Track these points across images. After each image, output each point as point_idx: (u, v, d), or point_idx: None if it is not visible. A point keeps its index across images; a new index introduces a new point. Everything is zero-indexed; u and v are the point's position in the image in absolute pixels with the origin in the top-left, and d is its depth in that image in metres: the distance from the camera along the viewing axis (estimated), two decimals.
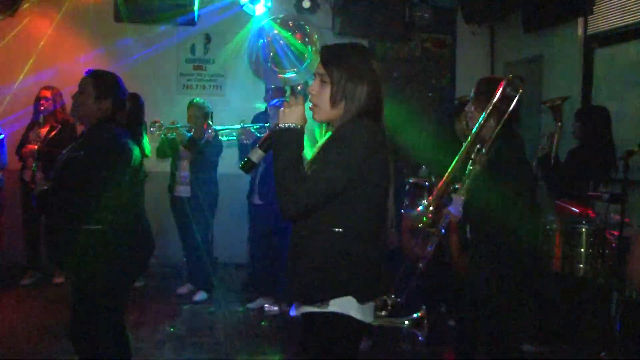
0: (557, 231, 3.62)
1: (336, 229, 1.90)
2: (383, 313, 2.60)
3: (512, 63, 6.24)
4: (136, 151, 2.77)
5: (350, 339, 1.96)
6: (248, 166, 2.03)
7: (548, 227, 3.66)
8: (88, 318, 2.65)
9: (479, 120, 2.75)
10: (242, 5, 5.62)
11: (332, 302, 1.88)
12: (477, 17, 6.17)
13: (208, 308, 4.97)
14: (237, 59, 6.06)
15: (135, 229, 2.78)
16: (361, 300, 1.89)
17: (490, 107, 2.74)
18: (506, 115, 2.76)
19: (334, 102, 1.96)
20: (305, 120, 1.95)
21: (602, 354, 3.37)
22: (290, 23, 5.03)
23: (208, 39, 6.13)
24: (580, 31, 5.13)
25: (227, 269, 5.99)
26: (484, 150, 2.77)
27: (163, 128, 4.82)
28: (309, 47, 4.94)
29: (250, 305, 5.00)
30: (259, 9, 5.66)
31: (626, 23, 4.62)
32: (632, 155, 3.02)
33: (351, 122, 1.93)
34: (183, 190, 5.08)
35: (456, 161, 2.69)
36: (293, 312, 2.03)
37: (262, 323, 4.67)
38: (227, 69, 6.19)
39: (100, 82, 2.73)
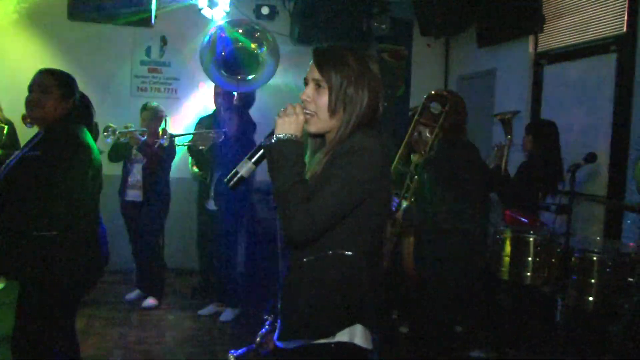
0: (506, 240, 3.72)
1: (346, 252, 1.70)
2: None
3: (466, 76, 6.40)
4: (97, 152, 2.67)
5: None
6: (236, 181, 1.81)
7: (498, 236, 3.75)
8: (34, 328, 2.52)
9: (408, 132, 2.93)
10: (200, 9, 5.56)
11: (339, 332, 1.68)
12: (433, 30, 6.31)
13: (158, 314, 4.88)
14: (194, 62, 5.98)
15: (91, 235, 2.66)
16: (370, 326, 1.72)
17: (418, 120, 2.92)
18: (437, 128, 2.94)
19: (333, 110, 1.75)
20: (302, 132, 1.76)
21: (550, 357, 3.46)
22: (244, 27, 4.99)
23: (164, 41, 6.04)
24: (531, 48, 5.32)
25: (177, 274, 5.89)
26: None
27: (117, 132, 4.73)
28: (262, 50, 4.90)
29: (201, 312, 4.93)
30: (217, 14, 5.62)
31: (574, 42, 4.82)
32: (579, 168, 3.14)
33: (360, 131, 1.73)
34: (134, 195, 4.98)
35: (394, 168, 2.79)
36: (280, 344, 1.78)
37: (214, 330, 4.61)
38: (183, 72, 6.11)
39: (65, 81, 2.65)
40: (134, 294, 5.19)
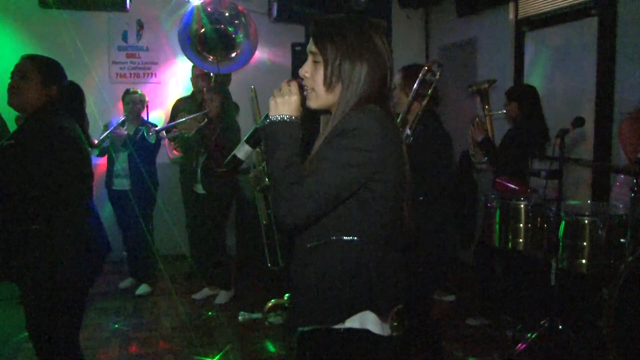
0: (497, 208, 3.75)
1: (349, 238, 1.62)
2: None
3: (447, 46, 6.38)
4: (82, 142, 2.56)
5: (367, 356, 1.64)
6: (234, 164, 1.79)
7: (489, 204, 3.78)
8: (44, 327, 2.46)
9: (406, 105, 2.92)
10: None
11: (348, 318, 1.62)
12: (412, 1, 6.27)
13: (152, 301, 4.87)
14: (172, 45, 5.90)
15: (85, 226, 2.55)
16: (380, 313, 1.62)
17: (414, 92, 2.92)
18: (427, 99, 2.96)
19: (329, 84, 1.66)
20: (300, 112, 1.69)
21: (543, 322, 3.52)
22: (221, 7, 4.89)
23: (141, 25, 5.92)
24: (511, 15, 5.31)
25: (168, 260, 5.86)
26: (409, 132, 2.91)
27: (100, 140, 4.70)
28: (240, 34, 4.82)
29: (195, 296, 4.93)
30: None
31: (554, 7, 4.82)
32: (567, 133, 3.15)
33: (357, 110, 1.62)
34: (122, 184, 4.94)
35: None
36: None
37: (210, 313, 4.61)
38: (161, 56, 6.01)
39: (45, 66, 2.54)
40: (127, 282, 5.17)
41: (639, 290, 2.74)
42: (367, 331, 1.61)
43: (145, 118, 5.14)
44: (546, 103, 4.75)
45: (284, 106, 1.67)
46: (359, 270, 1.60)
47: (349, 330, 1.60)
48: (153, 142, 4.71)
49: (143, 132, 4.82)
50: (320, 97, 1.70)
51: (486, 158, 4.19)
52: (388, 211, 1.65)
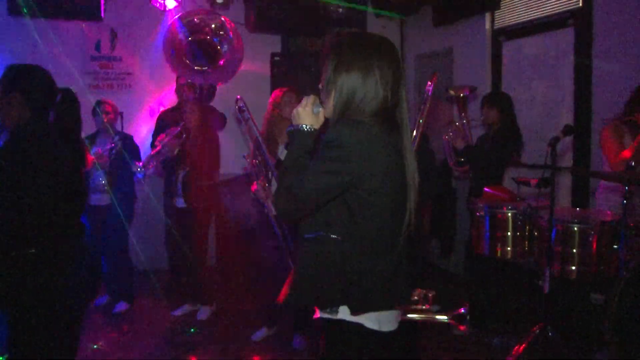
0: (486, 217, 3.75)
1: (334, 236, 1.75)
2: (424, 307, 2.54)
3: (423, 56, 6.42)
4: (68, 156, 2.42)
5: (363, 349, 1.79)
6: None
7: (477, 213, 3.79)
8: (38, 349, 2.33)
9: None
10: (150, 0, 5.35)
11: (341, 308, 1.77)
12: (388, 11, 6.30)
13: (131, 318, 4.71)
14: (147, 55, 5.78)
15: (75, 249, 2.43)
16: (355, 311, 1.76)
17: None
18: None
19: (325, 94, 1.83)
20: (320, 122, 1.89)
21: (535, 328, 3.53)
22: (204, 18, 4.84)
23: (114, 34, 5.78)
24: (488, 25, 5.38)
25: (145, 276, 5.70)
26: None
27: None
28: (225, 45, 4.78)
29: (175, 312, 4.80)
30: (170, 3, 5.42)
31: (531, 18, 4.90)
32: (558, 142, 3.18)
33: (340, 122, 1.76)
34: (100, 199, 4.76)
35: None
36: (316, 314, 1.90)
37: (192, 330, 4.49)
38: (136, 66, 5.88)
39: (28, 77, 2.40)
40: (103, 300, 5.00)
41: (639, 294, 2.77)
42: (362, 326, 1.76)
43: (120, 129, 5.01)
44: (525, 112, 4.83)
45: (299, 117, 1.88)
46: (337, 266, 1.75)
47: (343, 322, 1.76)
48: (142, 176, 4.52)
49: (120, 146, 4.69)
50: (327, 108, 1.86)
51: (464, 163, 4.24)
52: (375, 218, 1.75)
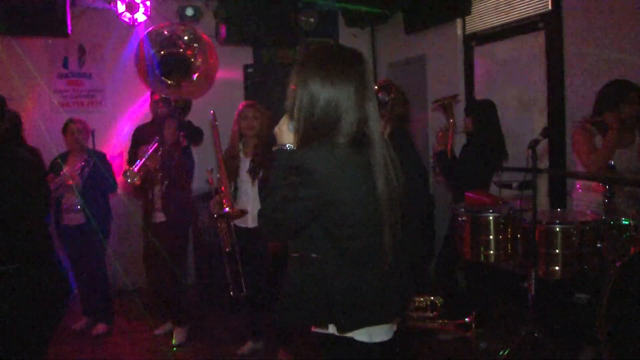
0: (467, 222, 3.76)
1: (313, 255, 1.77)
2: (432, 315, 2.51)
3: (395, 64, 6.44)
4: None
5: None
6: None
7: (460, 218, 3.79)
8: None
9: None
10: (119, 14, 5.26)
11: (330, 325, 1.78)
12: (358, 20, 6.32)
13: (111, 341, 4.58)
14: (118, 71, 5.68)
15: (45, 267, 2.39)
16: (342, 329, 1.76)
17: None
18: (389, 117, 2.95)
19: (290, 108, 1.78)
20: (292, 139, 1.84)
21: (521, 331, 3.53)
22: (176, 31, 4.77)
23: (82, 51, 5.66)
24: (459, 31, 5.42)
25: (122, 295, 5.56)
26: None
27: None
28: (199, 57, 4.71)
29: (157, 332, 4.69)
30: (139, 17, 5.34)
31: (502, 22, 4.96)
32: (538, 144, 3.21)
33: (306, 146, 1.74)
34: (74, 219, 4.63)
35: None
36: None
37: (174, 349, 4.39)
38: (107, 82, 5.76)
39: None
40: (81, 323, 4.85)
41: (628, 292, 2.79)
42: (351, 339, 1.75)
43: (92, 147, 4.89)
44: (499, 115, 4.86)
45: (281, 136, 1.84)
46: (321, 286, 1.75)
47: (333, 337, 1.76)
48: (137, 183, 4.39)
49: (93, 164, 4.58)
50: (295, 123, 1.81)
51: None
52: (352, 236, 1.74)
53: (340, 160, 1.70)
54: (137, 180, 4.25)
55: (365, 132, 1.77)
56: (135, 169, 4.23)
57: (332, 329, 1.77)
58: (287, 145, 1.82)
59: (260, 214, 1.81)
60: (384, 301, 1.78)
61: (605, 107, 3.65)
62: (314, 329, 1.84)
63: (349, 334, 1.76)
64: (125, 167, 4.60)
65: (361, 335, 1.76)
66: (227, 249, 4.06)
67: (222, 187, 3.74)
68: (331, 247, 1.76)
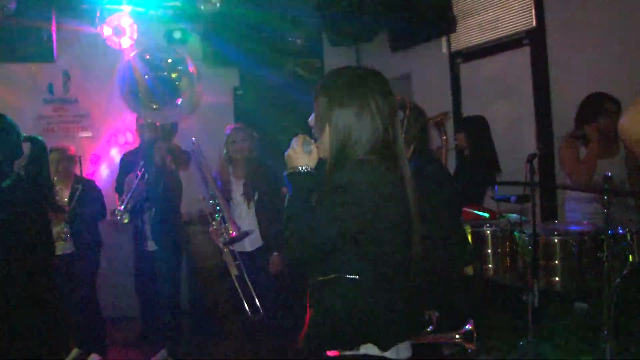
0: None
1: (351, 276, 1.74)
2: (429, 329, 2.49)
3: None
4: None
5: None
6: None
7: None
8: None
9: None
10: (105, 38, 5.22)
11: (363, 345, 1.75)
12: (342, 40, 6.36)
13: None
14: (104, 96, 5.62)
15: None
16: (383, 347, 1.74)
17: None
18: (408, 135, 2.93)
19: (319, 130, 1.80)
20: (314, 160, 1.83)
21: (521, 343, 3.54)
22: (161, 55, 4.76)
23: (68, 76, 5.59)
24: (444, 49, 5.50)
25: (114, 324, 5.44)
26: None
27: None
28: (184, 80, 4.70)
29: (154, 359, 4.58)
30: (125, 42, 5.30)
31: (487, 39, 5.04)
32: (535, 158, 3.25)
33: (349, 165, 1.75)
34: (62, 248, 4.52)
35: None
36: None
37: None
38: (93, 108, 5.70)
39: None
40: (73, 354, 4.72)
41: (633, 301, 2.82)
42: (383, 357, 1.73)
43: (79, 174, 4.81)
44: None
45: (291, 159, 1.82)
46: (358, 306, 1.72)
47: (366, 356, 1.72)
48: (127, 221, 4.34)
49: (81, 192, 4.51)
50: (322, 147, 1.83)
51: None
52: (387, 254, 1.74)
53: (377, 178, 1.72)
54: (126, 218, 4.21)
55: (394, 148, 1.81)
56: (122, 207, 4.19)
57: (364, 349, 1.74)
58: (302, 168, 1.80)
59: (291, 241, 1.74)
60: (413, 314, 1.83)
61: (585, 120, 3.78)
62: (332, 354, 1.78)
63: (382, 353, 1.73)
64: (115, 196, 4.57)
65: (392, 353, 1.75)
66: (235, 274, 4.01)
67: (226, 212, 3.75)
68: (366, 266, 1.73)
